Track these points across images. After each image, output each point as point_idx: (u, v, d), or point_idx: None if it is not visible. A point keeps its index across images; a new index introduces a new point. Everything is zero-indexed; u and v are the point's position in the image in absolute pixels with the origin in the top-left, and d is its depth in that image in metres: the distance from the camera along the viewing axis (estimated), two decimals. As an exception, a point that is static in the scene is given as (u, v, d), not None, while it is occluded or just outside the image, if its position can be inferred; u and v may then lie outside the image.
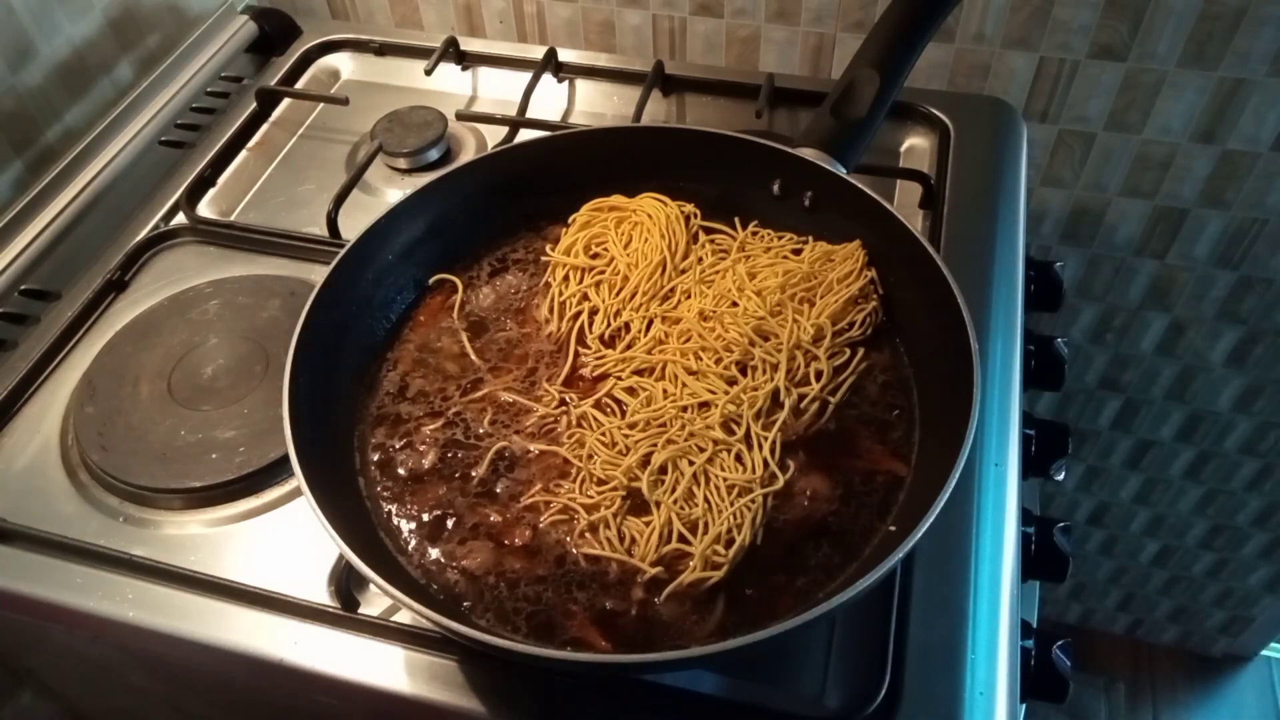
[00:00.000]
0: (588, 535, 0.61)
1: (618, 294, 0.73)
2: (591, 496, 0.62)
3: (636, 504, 0.62)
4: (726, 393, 0.65)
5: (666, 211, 0.76)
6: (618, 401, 0.67)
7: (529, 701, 0.61)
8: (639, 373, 0.69)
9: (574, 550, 0.61)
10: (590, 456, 0.64)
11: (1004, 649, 0.63)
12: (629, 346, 0.70)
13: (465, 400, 0.69)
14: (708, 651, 0.52)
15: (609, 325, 0.72)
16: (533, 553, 0.61)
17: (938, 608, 0.64)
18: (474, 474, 0.65)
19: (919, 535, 0.52)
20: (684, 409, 0.65)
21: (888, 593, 0.64)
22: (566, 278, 0.75)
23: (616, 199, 0.78)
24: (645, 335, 0.71)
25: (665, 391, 0.66)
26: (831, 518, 0.62)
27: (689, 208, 0.77)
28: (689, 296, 0.72)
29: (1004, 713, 0.61)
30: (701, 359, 0.67)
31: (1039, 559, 0.73)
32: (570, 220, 0.78)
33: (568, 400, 0.68)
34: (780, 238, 0.76)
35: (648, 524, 0.60)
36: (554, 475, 0.64)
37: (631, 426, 0.65)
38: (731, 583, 0.59)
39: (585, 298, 0.73)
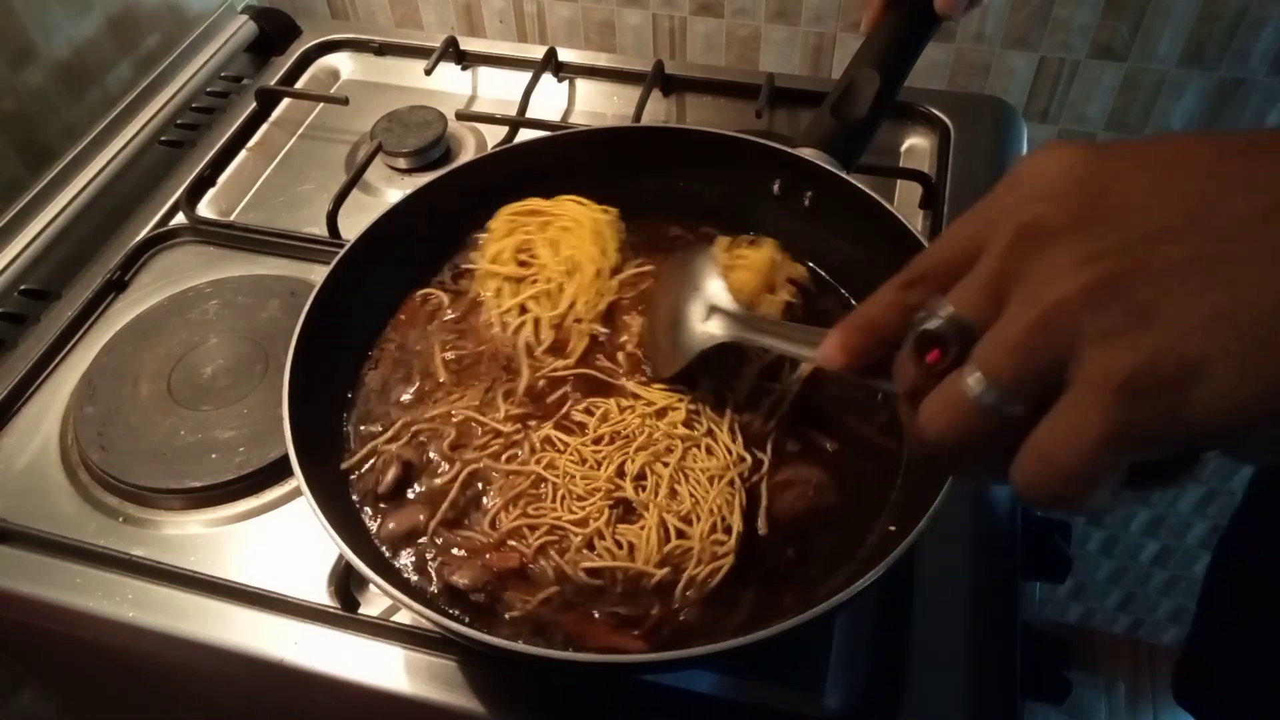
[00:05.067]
0: (584, 551, 0.59)
1: (556, 307, 0.71)
2: (576, 512, 0.61)
3: (623, 513, 0.61)
4: (683, 398, 0.65)
5: (592, 215, 0.75)
6: (577, 423, 0.65)
7: (529, 701, 0.61)
8: (592, 390, 0.67)
9: (570, 569, 0.59)
10: (568, 476, 0.62)
11: (1004, 649, 0.63)
12: (582, 359, 0.69)
13: (428, 419, 0.66)
14: (707, 651, 0.52)
15: (553, 337, 0.70)
16: (525, 576, 0.59)
17: (939, 608, 0.64)
18: (445, 498, 0.62)
19: (919, 535, 0.52)
20: (644, 418, 0.65)
21: (888, 592, 0.64)
22: (500, 290, 0.72)
23: (534, 202, 0.76)
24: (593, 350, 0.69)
25: (619, 405, 0.65)
26: (833, 501, 0.62)
27: (613, 212, 0.76)
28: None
29: (1004, 713, 0.61)
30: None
31: (1039, 559, 0.73)
32: (488, 227, 0.75)
33: (529, 424, 0.65)
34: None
35: (641, 528, 0.60)
36: (529, 500, 0.62)
37: (597, 442, 0.64)
38: (743, 569, 0.59)
39: (524, 309, 0.71)
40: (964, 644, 0.62)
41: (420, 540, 0.61)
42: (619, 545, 0.60)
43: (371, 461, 0.64)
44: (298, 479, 0.56)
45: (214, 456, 0.72)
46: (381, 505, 0.63)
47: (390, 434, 0.65)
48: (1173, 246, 0.31)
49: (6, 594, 0.67)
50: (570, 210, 0.75)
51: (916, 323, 0.38)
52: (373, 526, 0.62)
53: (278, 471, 0.71)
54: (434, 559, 0.60)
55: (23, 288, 0.87)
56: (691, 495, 0.61)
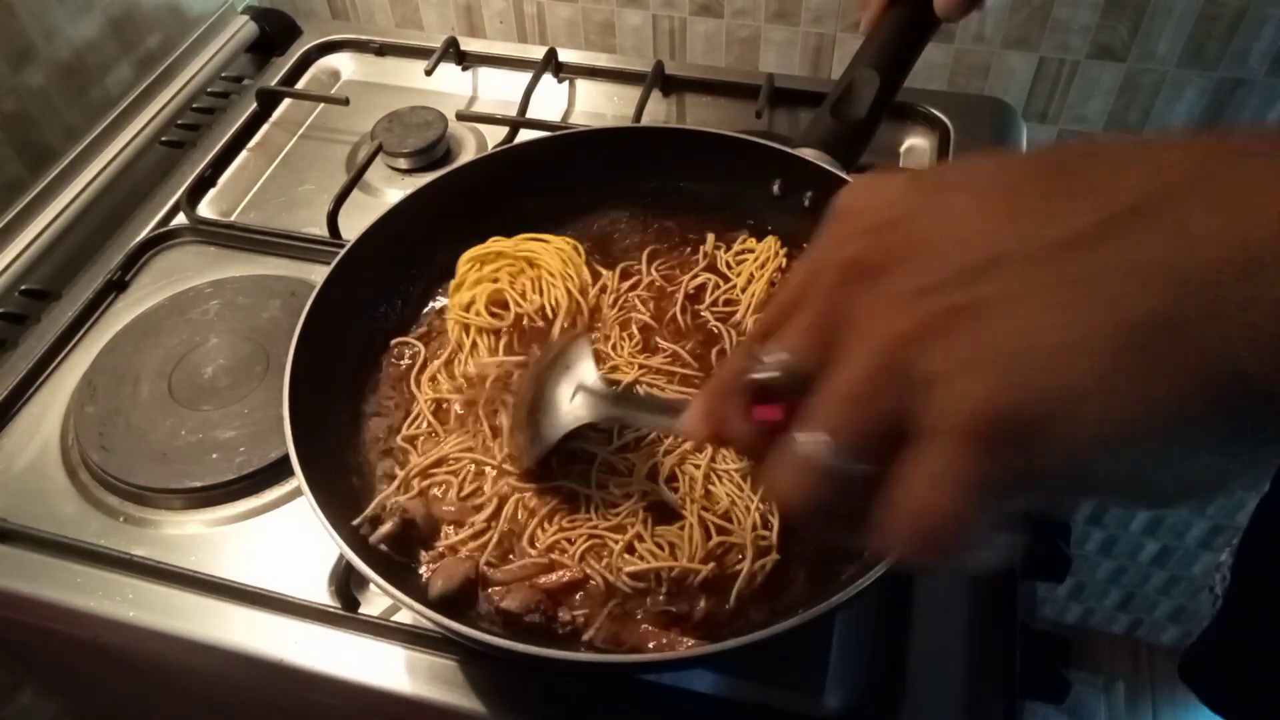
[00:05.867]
0: (626, 555, 0.59)
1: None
2: (611, 519, 0.60)
3: (659, 516, 0.61)
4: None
5: (557, 249, 0.75)
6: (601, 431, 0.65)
7: (529, 701, 0.61)
8: None
9: (613, 575, 0.58)
10: (599, 486, 0.62)
11: (1003, 649, 0.63)
12: None
13: (429, 466, 0.65)
14: (707, 651, 0.52)
15: None
16: (579, 590, 0.59)
17: (938, 607, 0.64)
18: (484, 537, 0.61)
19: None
20: None
21: (888, 592, 0.64)
22: (475, 343, 0.71)
23: (497, 243, 0.75)
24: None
25: None
26: None
27: (571, 241, 0.76)
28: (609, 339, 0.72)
29: (1004, 713, 0.61)
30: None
31: (1038, 559, 0.73)
32: (457, 281, 0.74)
33: None
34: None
35: (681, 528, 0.60)
36: (563, 514, 0.62)
37: (623, 449, 0.64)
38: (791, 552, 0.59)
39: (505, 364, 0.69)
40: (963, 644, 0.62)
41: (477, 587, 0.59)
42: (660, 547, 0.59)
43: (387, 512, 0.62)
44: (298, 479, 0.56)
45: (214, 456, 0.72)
46: (405, 554, 0.61)
47: (394, 486, 0.64)
48: (1007, 275, 0.29)
49: (7, 594, 0.67)
50: (532, 248, 0.75)
51: (744, 372, 0.35)
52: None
53: (278, 471, 0.71)
54: (486, 593, 0.59)
55: (23, 288, 0.87)
56: (728, 495, 0.61)
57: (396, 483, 0.64)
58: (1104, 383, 0.27)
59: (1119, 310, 0.27)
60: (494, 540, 0.61)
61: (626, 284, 0.75)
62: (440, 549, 0.61)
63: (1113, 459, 0.27)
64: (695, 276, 0.75)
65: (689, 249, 0.78)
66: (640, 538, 0.60)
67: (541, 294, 0.73)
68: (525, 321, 0.72)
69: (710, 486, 0.62)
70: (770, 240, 0.76)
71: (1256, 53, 0.99)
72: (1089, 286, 0.27)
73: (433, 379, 0.70)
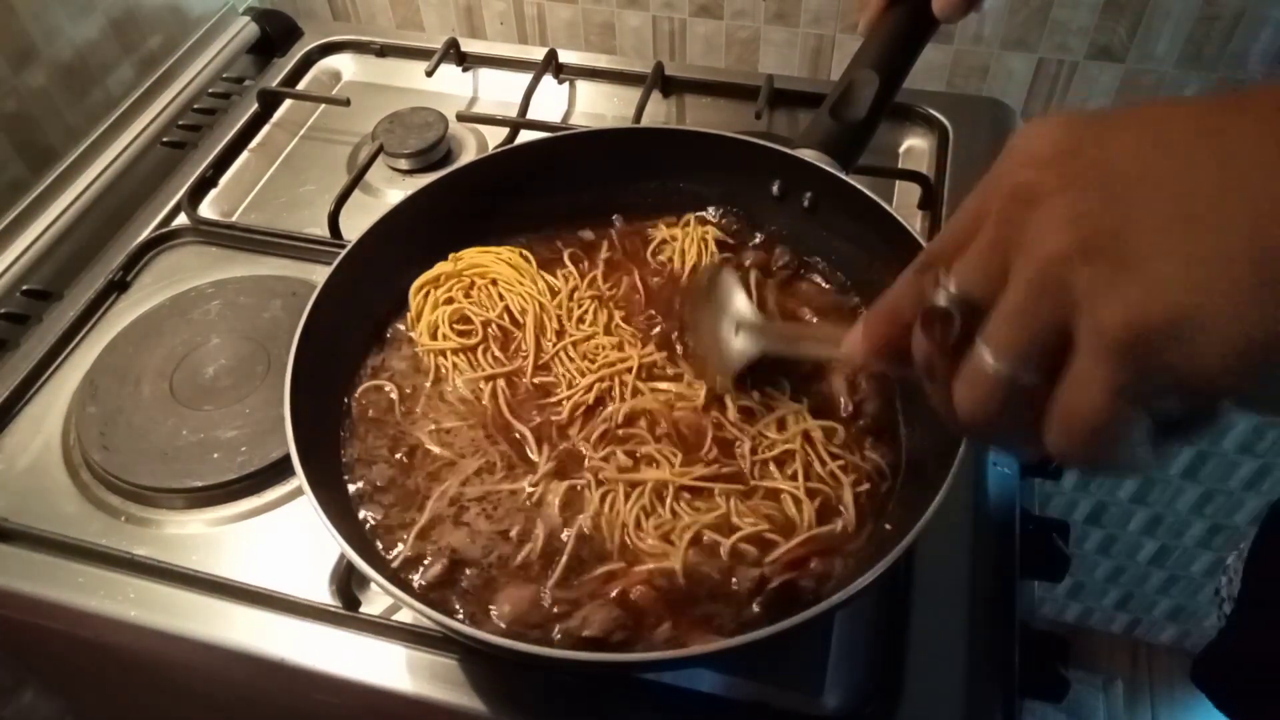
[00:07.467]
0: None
1: (519, 353, 0.71)
2: (700, 508, 0.61)
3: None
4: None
5: (505, 258, 0.75)
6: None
7: (529, 700, 0.61)
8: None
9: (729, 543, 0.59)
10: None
11: (1002, 648, 0.64)
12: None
13: (469, 495, 0.63)
14: (707, 651, 0.52)
15: (533, 386, 0.69)
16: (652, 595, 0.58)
17: (938, 607, 0.64)
18: (558, 555, 0.60)
19: (917, 535, 0.52)
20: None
21: (887, 592, 0.64)
22: (455, 364, 0.70)
23: (442, 266, 0.74)
24: (580, 364, 0.70)
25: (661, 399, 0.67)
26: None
27: (516, 250, 0.76)
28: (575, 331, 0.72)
29: (1003, 712, 0.61)
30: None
31: (1037, 558, 0.74)
32: (415, 313, 0.73)
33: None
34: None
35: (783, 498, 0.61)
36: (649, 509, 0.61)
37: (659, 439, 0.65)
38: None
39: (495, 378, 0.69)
40: (962, 643, 0.63)
41: (542, 610, 0.58)
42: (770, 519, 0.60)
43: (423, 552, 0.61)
44: (299, 478, 0.56)
45: (216, 456, 0.72)
46: (432, 595, 0.59)
47: (424, 522, 0.62)
48: (1158, 201, 0.31)
49: (9, 593, 0.68)
50: (480, 261, 0.75)
51: (924, 300, 0.39)
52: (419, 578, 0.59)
53: (279, 471, 0.72)
54: (563, 621, 0.57)
55: (25, 288, 0.87)
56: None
57: (424, 520, 0.62)
58: (1243, 301, 0.29)
59: (1262, 237, 0.29)
60: (563, 559, 0.60)
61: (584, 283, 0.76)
62: (494, 574, 0.60)
63: (1252, 370, 0.30)
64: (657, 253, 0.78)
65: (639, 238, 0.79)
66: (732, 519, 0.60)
67: (501, 299, 0.73)
68: (495, 328, 0.72)
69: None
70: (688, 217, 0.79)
71: (1255, 53, 0.99)
72: (1234, 214, 0.30)
73: (426, 413, 0.68)
